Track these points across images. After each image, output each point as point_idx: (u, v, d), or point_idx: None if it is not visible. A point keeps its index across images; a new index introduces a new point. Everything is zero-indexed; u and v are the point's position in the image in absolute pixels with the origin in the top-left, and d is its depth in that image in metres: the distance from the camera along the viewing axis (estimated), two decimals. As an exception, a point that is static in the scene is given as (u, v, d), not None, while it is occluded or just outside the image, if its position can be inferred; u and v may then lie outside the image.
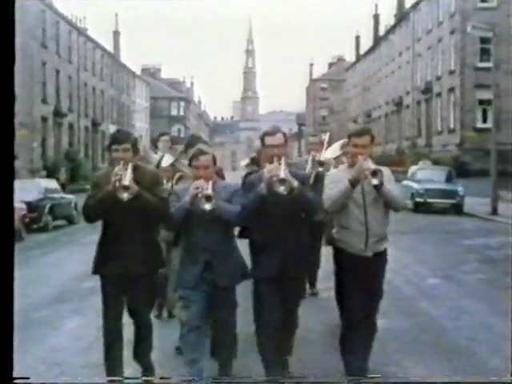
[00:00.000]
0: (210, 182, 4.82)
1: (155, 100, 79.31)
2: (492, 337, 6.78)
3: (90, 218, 5.03)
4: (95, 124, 51.66)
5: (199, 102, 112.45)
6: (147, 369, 5.23)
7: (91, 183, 5.25)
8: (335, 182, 5.02)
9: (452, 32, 38.13)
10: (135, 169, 4.88)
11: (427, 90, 42.98)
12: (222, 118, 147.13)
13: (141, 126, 69.01)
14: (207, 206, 4.68)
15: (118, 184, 4.68)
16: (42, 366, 5.86)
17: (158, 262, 5.20)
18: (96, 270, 5.04)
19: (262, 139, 5.13)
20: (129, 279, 4.92)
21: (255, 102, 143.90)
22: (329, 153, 6.59)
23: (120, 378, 4.95)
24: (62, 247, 15.02)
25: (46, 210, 18.14)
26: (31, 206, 16.85)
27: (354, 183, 4.87)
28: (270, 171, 4.73)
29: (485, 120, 36.08)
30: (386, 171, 5.00)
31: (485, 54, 35.75)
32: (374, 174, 4.76)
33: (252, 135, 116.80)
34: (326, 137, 6.81)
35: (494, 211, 20.47)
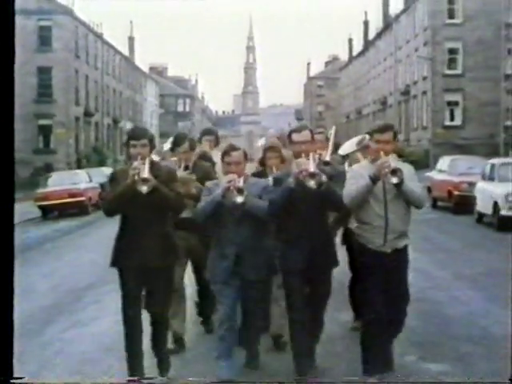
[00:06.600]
0: (242, 177, 4.85)
1: (163, 97, 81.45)
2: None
3: (109, 211, 4.95)
4: (115, 121, 56.52)
5: (202, 97, 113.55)
6: (163, 361, 5.19)
7: (109, 179, 5.11)
8: (356, 178, 4.85)
9: (425, 44, 42.69)
10: (152, 164, 4.79)
11: (406, 92, 47.33)
12: (224, 112, 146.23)
13: (151, 122, 72.31)
14: (239, 199, 4.67)
15: (137, 177, 4.60)
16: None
17: (174, 255, 5.11)
18: (115, 262, 4.98)
19: (289, 136, 5.06)
20: (147, 272, 4.86)
21: (255, 97, 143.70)
22: (345, 148, 6.42)
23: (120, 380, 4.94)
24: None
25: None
26: (102, 187, 23.64)
27: (374, 180, 4.72)
28: (300, 166, 4.68)
29: (452, 119, 41.92)
30: (407, 169, 4.90)
31: (452, 62, 42.05)
32: (394, 172, 4.64)
33: (252, 129, 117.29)
34: (331, 132, 6.37)
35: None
